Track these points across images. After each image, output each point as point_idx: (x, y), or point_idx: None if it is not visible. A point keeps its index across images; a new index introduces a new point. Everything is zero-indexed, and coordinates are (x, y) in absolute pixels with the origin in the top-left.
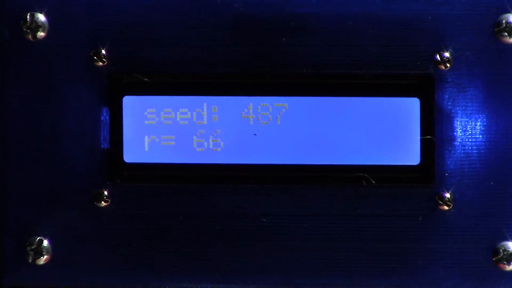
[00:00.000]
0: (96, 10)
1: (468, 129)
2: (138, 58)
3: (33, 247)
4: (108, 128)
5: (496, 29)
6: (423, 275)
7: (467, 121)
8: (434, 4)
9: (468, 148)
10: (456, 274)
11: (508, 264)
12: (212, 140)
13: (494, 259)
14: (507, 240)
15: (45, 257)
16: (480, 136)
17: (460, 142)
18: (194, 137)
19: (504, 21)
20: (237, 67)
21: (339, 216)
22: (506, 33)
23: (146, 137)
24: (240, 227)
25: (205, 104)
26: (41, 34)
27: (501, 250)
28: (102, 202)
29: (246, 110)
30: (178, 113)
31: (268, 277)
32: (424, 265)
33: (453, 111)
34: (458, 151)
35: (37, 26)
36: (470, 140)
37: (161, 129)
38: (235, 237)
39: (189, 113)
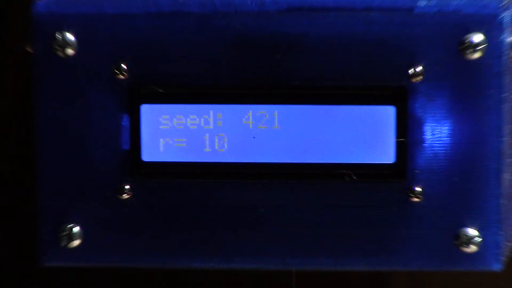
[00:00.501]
0: (118, 31)
1: (436, 133)
2: (154, 72)
3: (65, 233)
4: (129, 132)
5: (460, 47)
6: (397, 257)
7: (435, 126)
8: (408, 26)
9: (436, 149)
10: (425, 256)
11: (468, 246)
12: (217, 142)
13: (456, 242)
14: (467, 226)
15: (76, 241)
16: (447, 138)
17: (429, 144)
18: (202, 139)
19: (467, 40)
20: (239, 80)
21: (326, 207)
22: (469, 51)
23: (161, 139)
24: (241, 216)
25: (211, 111)
26: (70, 51)
27: (462, 235)
28: (124, 194)
29: (246, 116)
30: (188, 119)
31: (266, 258)
32: (398, 248)
33: (423, 117)
34: (428, 151)
35: (67, 44)
36: (438, 142)
37: (174, 133)
38: (237, 224)
39: (197, 119)
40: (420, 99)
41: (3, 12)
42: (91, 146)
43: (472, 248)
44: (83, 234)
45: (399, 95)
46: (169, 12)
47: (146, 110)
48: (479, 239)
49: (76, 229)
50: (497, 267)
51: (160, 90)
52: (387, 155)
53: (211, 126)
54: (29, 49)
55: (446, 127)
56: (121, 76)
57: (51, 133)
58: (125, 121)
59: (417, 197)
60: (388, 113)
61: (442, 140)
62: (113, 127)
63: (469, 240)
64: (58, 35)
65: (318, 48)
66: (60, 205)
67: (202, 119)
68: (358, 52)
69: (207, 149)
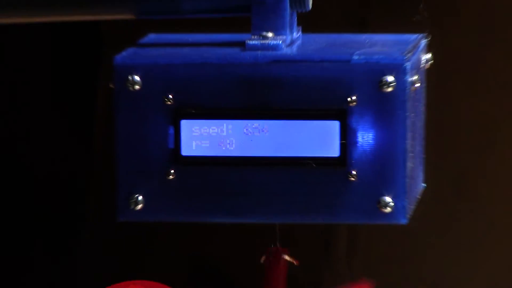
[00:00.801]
0: (167, 74)
1: (365, 138)
2: (189, 100)
3: (133, 200)
4: (173, 137)
5: (380, 84)
6: (340, 215)
7: (364, 133)
8: (347, 71)
9: (365, 148)
10: (358, 214)
11: (385, 208)
12: (228, 143)
13: (378, 206)
14: (385, 196)
15: (140, 205)
16: (372, 141)
17: (361, 144)
18: (219, 141)
19: (384, 80)
20: (242, 105)
21: (296, 183)
22: (385, 87)
23: (193, 141)
24: (243, 189)
25: (224, 124)
26: (137, 87)
27: (381, 201)
28: (170, 176)
29: (246, 127)
30: (210, 129)
31: (256, 216)
32: (340, 210)
33: (357, 128)
34: (360, 149)
35: (135, 83)
36: (366, 143)
37: (201, 137)
38: (241, 194)
39: (216, 129)
40: (355, 117)
41: (101, 63)
42: (150, 146)
43: (388, 210)
44: (144, 201)
45: (341, 114)
46: (199, 63)
47: (184, 124)
48: (392, 204)
49: (140, 197)
50: (404, 221)
51: (193, 111)
52: (334, 151)
53: (225, 133)
54: (112, 86)
55: (371, 134)
56: (169, 102)
57: (125, 138)
58: (171, 130)
59: (353, 177)
60: (335, 126)
61: (368, 142)
62: (164, 134)
63: (386, 204)
64: (129, 77)
65: (291, 85)
66: (130, 183)
67: (219, 129)
68: (316, 87)
69: (222, 148)
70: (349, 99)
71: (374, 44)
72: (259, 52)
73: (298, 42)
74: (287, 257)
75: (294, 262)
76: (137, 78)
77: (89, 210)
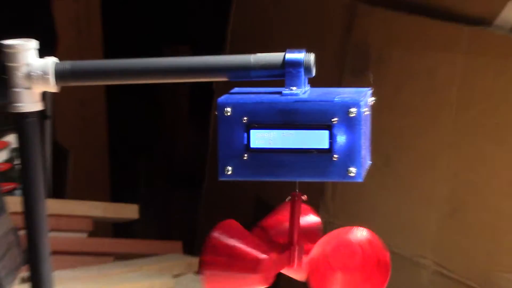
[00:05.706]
0: (244, 107)
1: (341, 138)
2: (254, 120)
3: (227, 169)
4: (246, 138)
5: (348, 112)
6: (328, 177)
7: (340, 136)
8: (333, 105)
9: (341, 143)
10: (338, 177)
11: (352, 173)
12: (272, 141)
13: (347, 172)
14: (351, 167)
15: (230, 172)
16: (344, 140)
17: (338, 142)
18: (268, 140)
19: (351, 109)
20: (279, 122)
21: (307, 161)
22: (352, 112)
23: (256, 140)
24: (281, 164)
25: (271, 132)
26: (229, 113)
27: (350, 170)
28: (245, 157)
29: (282, 133)
30: (264, 134)
31: (287, 177)
32: (328, 175)
33: (337, 134)
34: (338, 144)
35: (228, 111)
36: (341, 141)
37: (260, 138)
38: (280, 166)
39: (267, 134)
40: (336, 128)
41: (212, 101)
42: (235, 142)
43: (353, 174)
44: (232, 170)
45: (329, 127)
46: (259, 102)
47: (252, 132)
48: (355, 171)
49: (230, 168)
50: (360, 180)
51: (256, 125)
52: (326, 145)
53: (271, 136)
54: (216, 113)
55: (344, 137)
56: (244, 121)
57: (223, 137)
58: (245, 135)
59: (335, 158)
60: (326, 132)
61: (342, 141)
62: (242, 136)
63: (351, 171)
64: (225, 108)
65: (305, 113)
66: (225, 160)
67: (268, 134)
68: (317, 113)
69: (270, 143)
70: (333, 119)
71: (345, 93)
72: (289, 97)
73: (308, 91)
74: (302, 197)
75: (304, 198)
76: (229, 109)
77: (206, 172)
